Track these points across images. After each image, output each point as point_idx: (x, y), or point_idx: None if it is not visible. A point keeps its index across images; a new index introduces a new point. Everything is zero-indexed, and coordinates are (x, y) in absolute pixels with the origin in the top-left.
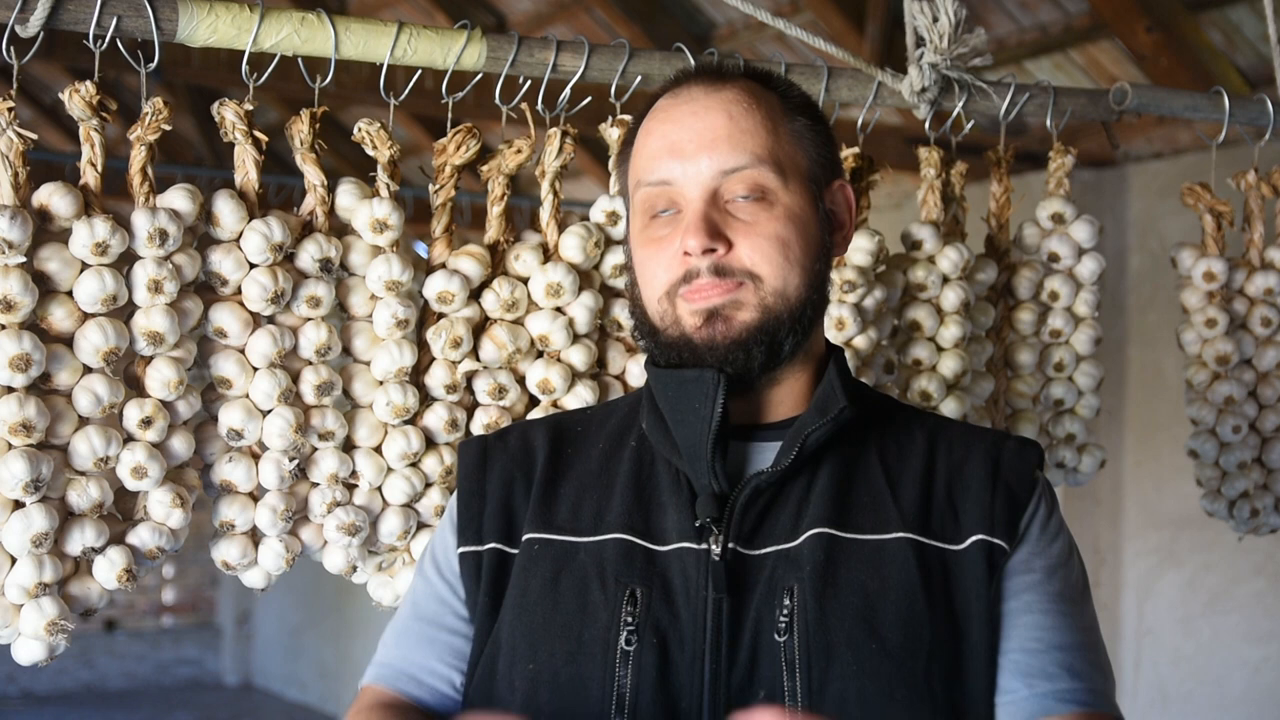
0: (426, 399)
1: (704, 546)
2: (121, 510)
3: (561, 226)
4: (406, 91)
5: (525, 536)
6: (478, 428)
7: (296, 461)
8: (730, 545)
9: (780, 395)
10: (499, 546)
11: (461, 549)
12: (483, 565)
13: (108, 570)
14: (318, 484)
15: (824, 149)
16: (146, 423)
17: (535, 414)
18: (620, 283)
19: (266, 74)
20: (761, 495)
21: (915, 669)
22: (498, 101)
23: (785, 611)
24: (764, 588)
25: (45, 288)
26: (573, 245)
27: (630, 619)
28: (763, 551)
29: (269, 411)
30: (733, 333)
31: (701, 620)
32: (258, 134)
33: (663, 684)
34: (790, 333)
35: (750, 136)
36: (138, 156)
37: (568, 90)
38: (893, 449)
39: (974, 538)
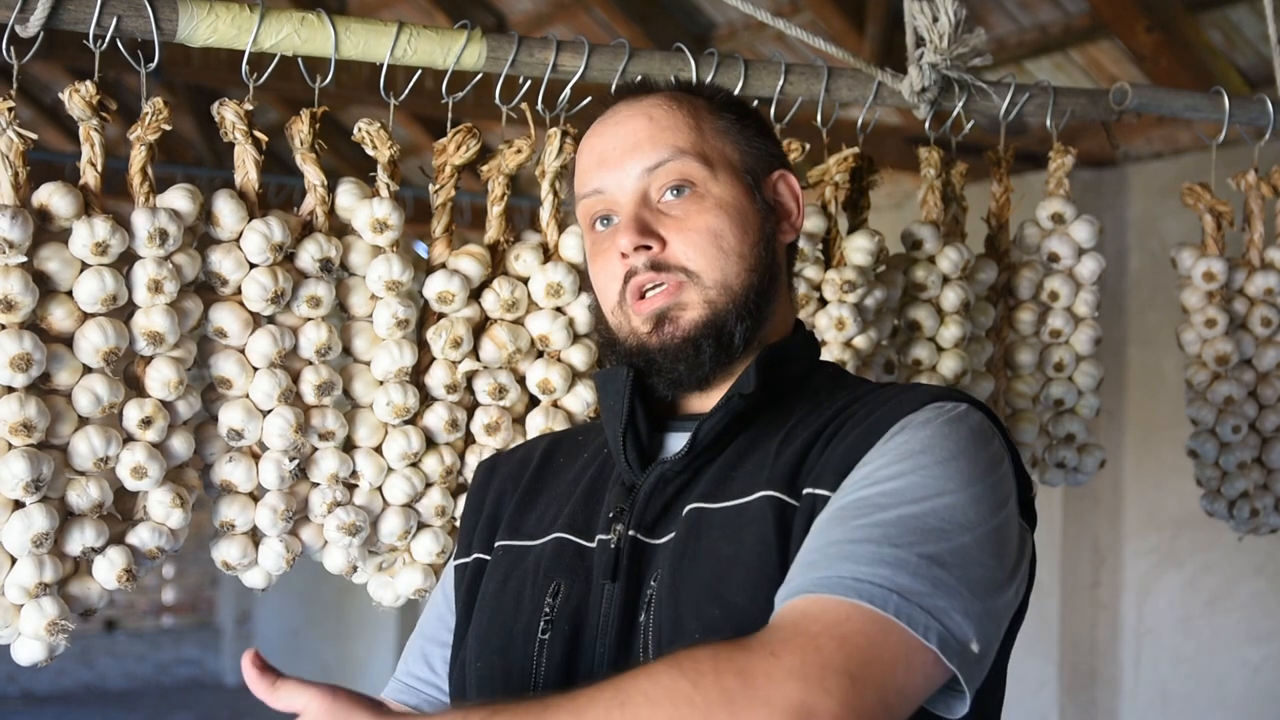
0: (427, 399)
1: (609, 536)
2: (121, 510)
3: (561, 226)
4: (406, 91)
5: (496, 544)
6: (477, 428)
7: (297, 461)
8: (630, 533)
9: (728, 384)
10: (481, 555)
11: (455, 562)
12: (466, 574)
13: (108, 570)
14: (318, 484)
15: (755, 141)
16: (146, 423)
17: (535, 414)
18: None
19: (266, 74)
20: (669, 484)
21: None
22: (498, 101)
23: (649, 593)
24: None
25: (45, 288)
26: (573, 245)
27: (549, 610)
28: (664, 540)
29: (269, 411)
30: (681, 332)
31: (598, 608)
32: (258, 134)
33: (566, 669)
34: (739, 321)
35: (671, 132)
36: (138, 156)
37: (568, 90)
38: (813, 418)
39: (807, 490)
